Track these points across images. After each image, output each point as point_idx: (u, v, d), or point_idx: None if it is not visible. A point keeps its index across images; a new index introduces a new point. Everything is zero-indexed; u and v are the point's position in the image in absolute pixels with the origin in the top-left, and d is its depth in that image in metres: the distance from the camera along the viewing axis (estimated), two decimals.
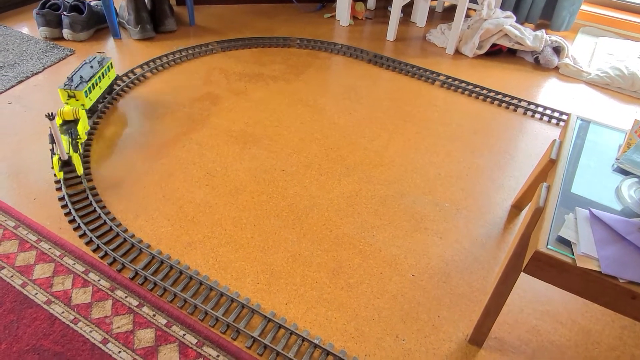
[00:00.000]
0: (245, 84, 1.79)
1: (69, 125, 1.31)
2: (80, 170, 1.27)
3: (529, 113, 1.74)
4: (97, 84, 1.49)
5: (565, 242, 0.78)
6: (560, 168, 0.94)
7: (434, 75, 1.92)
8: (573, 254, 0.76)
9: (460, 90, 1.85)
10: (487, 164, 1.48)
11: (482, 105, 1.77)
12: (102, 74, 1.52)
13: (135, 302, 1.00)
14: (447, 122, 1.66)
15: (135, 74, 1.76)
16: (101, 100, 1.58)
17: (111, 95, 1.63)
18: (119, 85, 1.68)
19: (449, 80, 1.89)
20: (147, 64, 1.83)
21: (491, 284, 1.09)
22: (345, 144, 1.51)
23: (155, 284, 1.04)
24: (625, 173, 0.93)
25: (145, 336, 0.94)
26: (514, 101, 1.78)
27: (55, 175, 1.30)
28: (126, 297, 1.01)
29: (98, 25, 2.07)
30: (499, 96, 1.81)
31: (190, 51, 1.96)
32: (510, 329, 1.02)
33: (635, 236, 0.78)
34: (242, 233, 1.18)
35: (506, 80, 1.94)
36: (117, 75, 1.69)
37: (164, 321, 0.97)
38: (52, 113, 1.13)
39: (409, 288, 1.08)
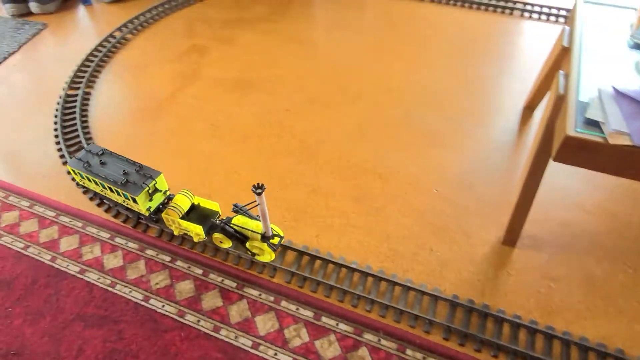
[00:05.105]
0: (231, 30, 1.71)
1: (205, 209, 0.99)
2: (280, 231, 0.95)
3: (526, 14, 1.68)
4: None
5: (592, 123, 0.76)
6: (575, 53, 0.91)
7: None
8: (603, 133, 0.74)
9: (452, 2, 1.77)
10: (492, 71, 1.44)
11: (477, 15, 1.71)
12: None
13: (167, 258, 1.00)
14: (444, 37, 1.61)
15: (116, 37, 1.69)
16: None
17: None
18: (101, 51, 1.61)
19: None
20: (125, 25, 1.75)
21: (515, 186, 1.09)
22: (345, 75, 1.47)
23: (182, 238, 1.03)
24: None
25: (185, 287, 0.95)
26: (509, 4, 1.72)
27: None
28: (157, 254, 1.01)
29: None
30: (492, 2, 1.74)
31: (166, 6, 1.86)
32: (541, 225, 1.02)
33: None
34: (259, 176, 1.16)
35: None
36: None
37: (200, 271, 0.98)
38: (262, 184, 0.80)
39: (434, 203, 1.08)
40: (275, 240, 0.92)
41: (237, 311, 0.91)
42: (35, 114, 1.40)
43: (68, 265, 1.00)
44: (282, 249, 0.99)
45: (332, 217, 1.06)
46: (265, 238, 0.90)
